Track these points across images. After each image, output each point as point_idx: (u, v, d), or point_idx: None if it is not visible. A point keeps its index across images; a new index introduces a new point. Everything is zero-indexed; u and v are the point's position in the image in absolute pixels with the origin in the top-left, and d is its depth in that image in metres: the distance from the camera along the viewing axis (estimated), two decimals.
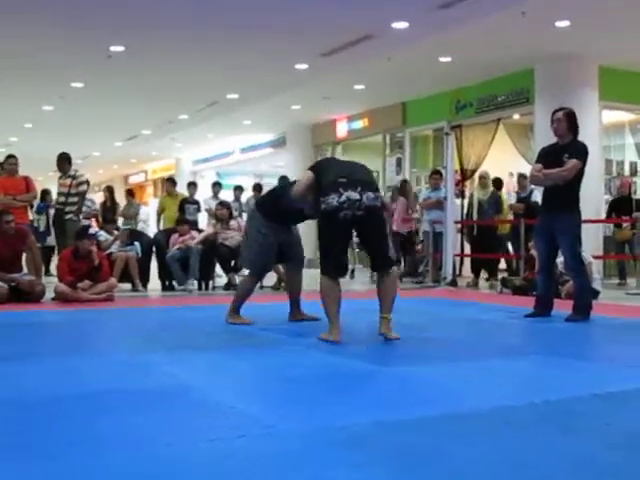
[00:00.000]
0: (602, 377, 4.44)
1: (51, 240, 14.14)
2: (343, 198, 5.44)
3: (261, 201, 6.98)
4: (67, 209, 11.23)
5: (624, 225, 12.47)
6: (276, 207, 6.54)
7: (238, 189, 15.12)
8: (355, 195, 5.46)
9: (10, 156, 11.07)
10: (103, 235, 11.22)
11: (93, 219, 14.69)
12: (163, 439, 2.99)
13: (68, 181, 11.37)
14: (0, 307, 8.58)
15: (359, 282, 12.86)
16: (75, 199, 11.29)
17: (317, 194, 5.72)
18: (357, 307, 7.34)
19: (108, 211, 14.50)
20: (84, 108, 17.94)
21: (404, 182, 14.08)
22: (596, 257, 11.79)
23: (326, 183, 5.63)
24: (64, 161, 11.54)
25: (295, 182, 6.48)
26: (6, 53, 12.74)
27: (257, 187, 14.90)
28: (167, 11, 10.41)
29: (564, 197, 7.12)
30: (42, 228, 14.92)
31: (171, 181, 14.81)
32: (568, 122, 7.21)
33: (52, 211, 14.35)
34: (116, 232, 11.51)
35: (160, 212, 14.30)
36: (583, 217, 7.39)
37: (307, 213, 6.35)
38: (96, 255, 9.52)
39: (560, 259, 8.02)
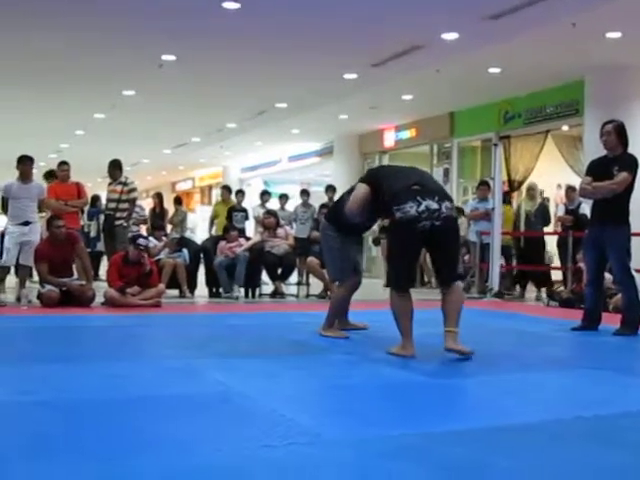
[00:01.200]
0: None
1: (101, 245, 14.34)
2: (422, 207, 5.16)
3: (330, 211, 6.82)
4: (117, 215, 11.39)
5: None
6: (341, 218, 6.24)
7: (283, 197, 15.21)
8: (434, 204, 5.19)
9: (62, 162, 11.26)
10: (152, 241, 11.35)
11: (142, 225, 14.85)
12: (213, 444, 3.04)
13: (119, 187, 11.52)
14: (51, 310, 8.72)
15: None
16: (125, 205, 11.44)
17: (374, 205, 5.56)
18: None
19: (157, 217, 14.65)
20: (135, 116, 18.15)
21: None
22: None
23: (397, 190, 5.34)
24: (115, 168, 11.71)
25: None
26: (59, 60, 12.93)
27: (305, 192, 14.98)
28: (217, 20, 10.51)
29: (614, 210, 7.08)
30: (93, 234, 15.14)
31: (226, 189, 14.97)
32: (618, 134, 7.17)
33: (102, 217, 14.56)
34: (165, 239, 11.63)
35: (213, 218, 14.47)
36: (633, 230, 7.34)
37: (364, 226, 6.30)
38: (147, 260, 9.66)
39: (608, 273, 7.95)
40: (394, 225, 5.37)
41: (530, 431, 3.36)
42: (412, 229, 5.19)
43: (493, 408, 3.86)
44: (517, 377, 4.78)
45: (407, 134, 19.04)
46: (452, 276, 5.45)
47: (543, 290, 12.04)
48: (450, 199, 5.37)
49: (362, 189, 5.70)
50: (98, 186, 23.54)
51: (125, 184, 11.58)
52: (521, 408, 3.84)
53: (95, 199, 15.73)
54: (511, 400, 4.06)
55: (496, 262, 12.10)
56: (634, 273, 7.53)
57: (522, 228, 12.99)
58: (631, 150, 7.27)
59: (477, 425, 3.44)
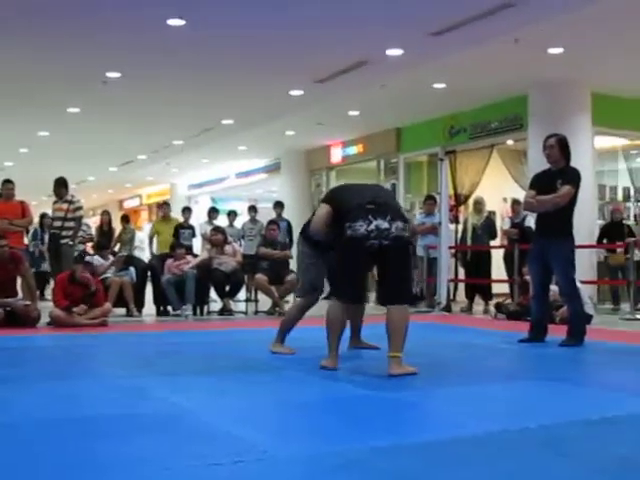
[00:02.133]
0: (596, 402, 4.46)
1: (46, 265, 14.18)
2: (372, 227, 5.18)
3: (304, 228, 6.55)
4: (63, 233, 11.24)
5: (618, 250, 12.51)
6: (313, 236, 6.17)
7: (232, 214, 15.17)
8: (384, 224, 5.20)
9: (7, 181, 11.10)
10: (98, 260, 11.22)
11: (88, 243, 14.70)
12: (160, 463, 3.00)
13: (65, 206, 11.38)
14: None
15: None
16: (71, 224, 11.30)
17: (338, 222, 5.45)
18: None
19: (104, 236, 14.52)
20: (80, 133, 17.98)
21: None
22: (590, 282, 11.84)
23: (351, 207, 5.35)
24: (61, 186, 11.56)
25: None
26: (2, 78, 12.78)
27: (252, 209, 14.97)
28: (162, 37, 10.47)
29: (558, 223, 7.17)
30: (37, 254, 14.95)
31: (167, 205, 14.86)
32: (560, 148, 7.28)
33: (46, 236, 14.39)
34: (112, 257, 11.51)
35: (152, 236, 14.33)
36: (576, 242, 7.44)
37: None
38: (92, 280, 9.55)
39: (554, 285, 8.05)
40: (344, 241, 5.33)
41: (477, 443, 3.37)
42: (360, 247, 5.21)
43: (440, 421, 3.88)
44: (464, 390, 4.80)
45: (354, 150, 19.12)
46: (391, 297, 5.35)
47: (490, 303, 12.14)
48: (404, 220, 5.35)
49: (323, 209, 5.71)
50: (43, 204, 23.25)
51: (71, 202, 11.44)
52: (468, 420, 3.85)
53: (43, 217, 15.53)
54: (458, 412, 4.08)
55: (444, 276, 12.18)
56: (579, 285, 7.65)
57: (469, 242, 13.10)
58: (573, 163, 7.39)
59: (424, 438, 3.44)
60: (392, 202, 5.66)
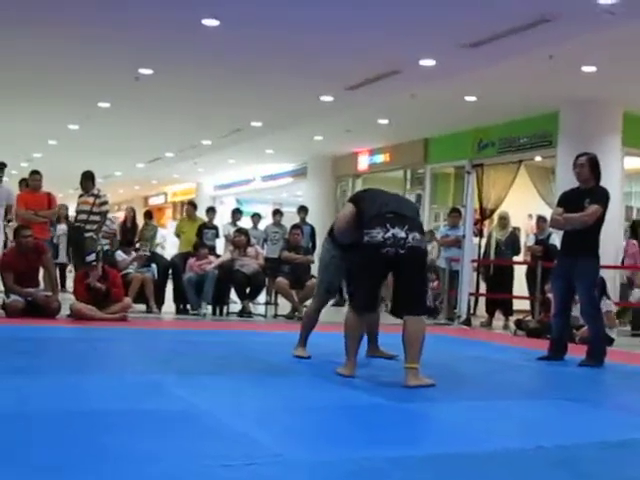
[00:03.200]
0: (613, 424, 4.41)
1: (62, 257, 14.30)
2: (389, 234, 5.21)
3: (331, 228, 6.45)
4: (88, 227, 11.28)
5: None
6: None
7: (256, 216, 15.17)
8: (401, 233, 5.22)
9: (34, 172, 11.16)
10: (120, 255, 11.26)
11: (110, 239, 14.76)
12: (172, 461, 2.99)
13: (91, 199, 11.42)
14: (16, 321, 8.63)
15: None
16: (97, 218, 11.33)
17: (359, 227, 5.49)
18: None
19: (127, 232, 14.57)
20: (109, 128, 18.07)
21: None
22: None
23: (371, 215, 5.42)
24: (88, 179, 11.60)
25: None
26: (35, 69, 12.87)
27: (277, 212, 14.97)
28: (196, 36, 10.51)
29: (584, 242, 7.11)
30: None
31: (192, 205, 14.87)
32: (591, 167, 7.22)
33: (63, 227, 14.46)
34: (134, 253, 11.54)
35: (177, 235, 14.37)
36: (602, 263, 7.38)
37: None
38: (110, 276, 9.58)
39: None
40: (361, 248, 5.37)
41: (491, 459, 3.34)
42: (376, 254, 5.24)
43: (456, 435, 3.84)
44: (480, 404, 4.77)
45: (381, 158, 19.11)
46: (406, 307, 5.34)
47: (511, 319, 12.07)
48: (421, 231, 5.40)
49: (348, 208, 5.82)
50: (69, 197, 23.37)
51: (97, 196, 11.48)
52: (484, 436, 3.82)
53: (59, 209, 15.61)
54: (474, 427, 4.05)
55: (465, 289, 12.12)
56: (612, 307, 7.57)
57: (492, 256, 13.04)
58: (602, 183, 7.33)
59: (439, 451, 3.42)
60: (413, 214, 5.60)
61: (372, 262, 5.33)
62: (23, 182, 12.46)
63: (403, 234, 5.21)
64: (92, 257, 9.69)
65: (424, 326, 5.32)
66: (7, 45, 11.43)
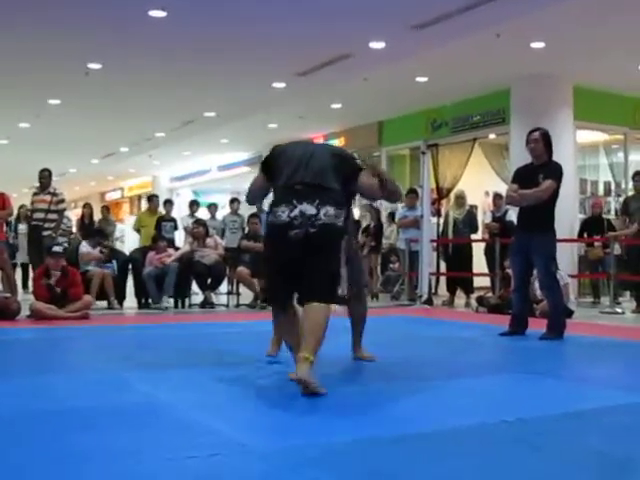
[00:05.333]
0: (574, 395, 4.48)
1: (20, 256, 14.17)
2: (295, 212, 4.42)
3: None
4: (46, 225, 11.18)
5: (596, 244, 12.57)
6: None
7: (213, 206, 15.13)
8: (311, 209, 4.42)
9: None
10: (85, 246, 11.12)
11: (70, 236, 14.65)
12: (136, 456, 2.99)
13: (48, 197, 11.33)
14: None
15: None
16: (54, 216, 11.25)
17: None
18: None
19: (86, 229, 14.45)
20: (61, 125, 17.89)
21: None
22: (570, 276, 11.87)
23: (277, 186, 4.68)
24: (46, 177, 11.51)
25: None
26: None
27: (234, 201, 14.91)
28: (144, 28, 10.43)
29: (539, 217, 7.19)
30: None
31: (156, 198, 14.70)
32: (545, 142, 7.30)
33: (24, 226, 14.32)
34: (98, 248, 11.37)
35: (137, 229, 14.27)
36: (558, 237, 7.47)
37: None
38: (70, 274, 9.48)
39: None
40: (266, 230, 4.77)
41: (454, 437, 3.38)
42: (282, 237, 4.45)
43: (417, 414, 3.87)
44: (442, 383, 4.80)
45: (336, 143, 19.06)
46: (310, 292, 4.45)
47: (472, 296, 12.17)
48: (337, 204, 4.50)
49: (258, 179, 5.04)
50: (24, 197, 23.11)
51: (54, 194, 11.39)
52: (445, 414, 3.86)
53: (20, 208, 15.46)
54: (436, 406, 4.08)
55: (425, 269, 12.19)
56: (568, 279, 7.66)
57: (450, 235, 13.12)
58: (555, 158, 7.41)
59: (401, 431, 3.45)
60: (329, 181, 4.57)
61: (279, 247, 4.56)
62: None
63: (313, 210, 4.42)
64: (59, 248, 9.57)
65: (326, 314, 4.41)
66: None
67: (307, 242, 4.41)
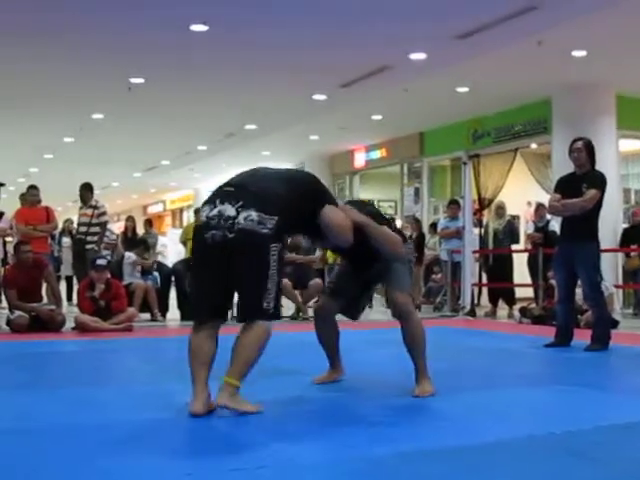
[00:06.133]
0: (621, 408, 4.41)
1: (65, 269, 14.31)
2: (214, 212, 3.99)
3: None
4: (88, 239, 11.30)
5: (632, 254, 12.37)
6: None
7: None
8: (230, 211, 3.95)
9: (32, 187, 11.19)
10: (132, 257, 11.21)
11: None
12: (183, 469, 3.00)
13: (89, 211, 11.45)
14: (20, 337, 8.63)
15: (376, 311, 12.82)
16: (97, 229, 11.36)
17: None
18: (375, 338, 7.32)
19: (129, 242, 14.58)
20: (104, 139, 18.08)
21: None
22: (615, 286, 11.73)
23: None
24: (87, 191, 11.64)
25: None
26: (28, 83, 12.88)
27: None
28: (185, 43, 10.51)
29: (583, 227, 7.12)
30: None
31: (197, 211, 14.79)
32: (588, 151, 7.23)
33: (68, 240, 14.48)
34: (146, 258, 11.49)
35: (184, 241, 14.37)
36: (602, 247, 7.39)
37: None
38: (113, 287, 9.55)
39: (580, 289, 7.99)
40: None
41: (501, 449, 3.35)
42: (200, 239, 4.07)
43: (464, 426, 3.84)
44: (488, 395, 4.76)
45: (377, 154, 19.10)
46: (247, 311, 4.14)
47: (515, 307, 12.08)
48: (268, 210, 3.96)
49: None
50: (69, 210, 23.38)
51: (96, 207, 11.51)
52: (492, 426, 3.83)
53: (65, 222, 15.68)
54: (482, 418, 4.05)
55: (468, 280, 12.13)
56: (612, 290, 7.58)
57: (490, 246, 13.05)
58: (598, 167, 7.34)
59: (447, 444, 3.42)
60: (264, 189, 4.10)
61: (198, 251, 4.21)
62: (22, 197, 12.50)
63: (232, 212, 3.95)
64: (103, 261, 9.68)
65: (260, 336, 4.10)
66: None
67: (227, 250, 3.96)
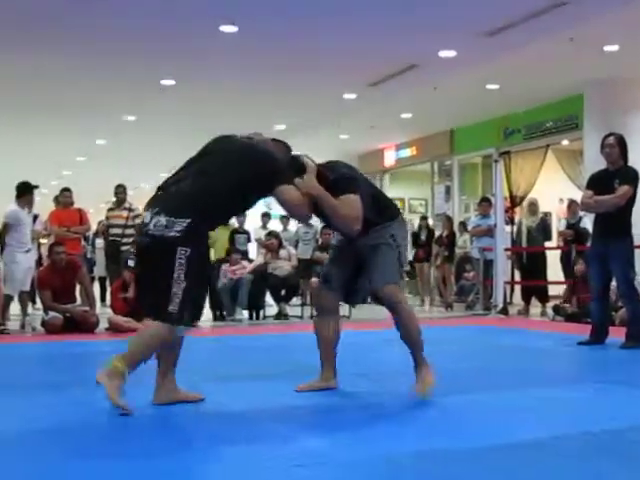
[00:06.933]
0: None
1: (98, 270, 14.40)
2: (146, 219, 4.20)
3: None
4: (124, 241, 11.38)
5: None
6: None
7: (284, 218, 15.19)
8: (147, 217, 4.18)
9: (65, 189, 11.29)
10: None
11: None
12: (219, 466, 3.01)
13: (125, 213, 11.55)
14: (55, 337, 8.70)
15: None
16: (131, 231, 11.42)
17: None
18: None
19: None
20: (136, 141, 18.20)
21: None
22: None
23: None
24: (122, 192, 11.75)
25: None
26: (60, 85, 12.99)
27: None
28: (215, 44, 10.55)
29: (616, 223, 7.07)
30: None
31: None
32: (620, 147, 7.17)
33: (101, 241, 14.59)
34: None
35: (212, 242, 14.41)
36: (636, 242, 7.33)
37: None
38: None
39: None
40: None
41: (537, 448, 3.33)
42: (136, 244, 4.37)
43: (497, 425, 3.82)
44: (522, 393, 4.74)
45: (407, 152, 19.05)
46: (150, 310, 4.22)
47: (548, 305, 12.00)
48: (178, 213, 4.10)
49: None
50: (101, 212, 23.48)
51: (130, 209, 11.61)
52: (527, 424, 3.81)
53: (99, 223, 15.78)
54: (517, 416, 4.03)
55: (500, 278, 12.07)
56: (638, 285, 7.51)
57: (524, 243, 12.97)
58: (630, 163, 7.28)
59: (481, 443, 3.40)
60: (183, 186, 4.31)
61: (136, 256, 4.55)
62: (56, 200, 12.61)
63: (148, 218, 4.15)
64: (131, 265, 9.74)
65: (151, 333, 4.20)
66: (30, 63, 11.52)
67: (144, 255, 4.26)
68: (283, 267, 11.45)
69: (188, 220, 4.05)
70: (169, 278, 4.02)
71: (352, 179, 4.75)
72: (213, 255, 13.82)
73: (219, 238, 13.67)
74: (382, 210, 4.74)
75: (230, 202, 4.37)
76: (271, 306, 12.06)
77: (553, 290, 13.02)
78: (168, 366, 4.46)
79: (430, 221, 16.24)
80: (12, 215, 9.77)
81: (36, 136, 17.63)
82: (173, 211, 4.09)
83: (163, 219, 4.06)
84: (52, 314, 9.21)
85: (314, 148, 19.67)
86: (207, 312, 11.31)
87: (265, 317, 11.62)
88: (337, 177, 4.69)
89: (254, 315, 11.52)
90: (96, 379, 4.02)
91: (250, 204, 4.65)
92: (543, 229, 12.83)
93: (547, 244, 13.07)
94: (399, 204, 19.61)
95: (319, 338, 4.84)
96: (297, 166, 4.70)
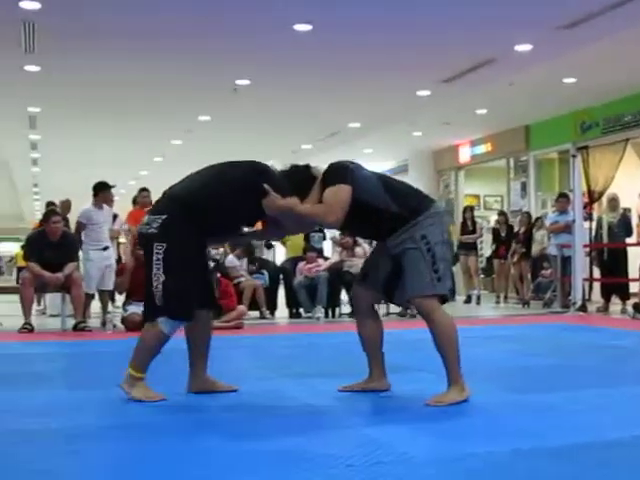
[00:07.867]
0: None
1: None
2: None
3: None
4: None
5: None
6: None
7: None
8: (144, 218, 4.49)
9: (143, 189, 11.50)
10: (232, 261, 11.41)
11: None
12: (300, 464, 3.03)
13: None
14: (135, 334, 8.80)
15: (486, 308, 12.71)
16: None
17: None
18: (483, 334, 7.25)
19: None
20: (210, 140, 18.36)
21: None
22: None
23: None
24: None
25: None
26: (136, 87, 13.19)
27: None
28: (289, 42, 10.59)
29: None
30: None
31: None
32: None
33: None
34: (245, 261, 11.68)
35: (283, 242, 14.50)
36: None
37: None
38: (222, 285, 9.70)
39: None
40: None
41: (622, 447, 3.28)
42: None
43: (581, 424, 3.78)
44: (604, 392, 4.67)
45: (482, 149, 18.86)
46: (144, 310, 4.57)
47: (628, 303, 11.78)
48: (161, 211, 4.38)
49: None
50: None
51: None
52: (610, 423, 3.75)
53: None
54: (599, 416, 3.97)
55: (579, 275, 11.89)
56: None
57: (605, 240, 12.75)
58: None
59: (565, 441, 3.37)
60: (177, 191, 4.62)
61: None
62: (134, 200, 12.81)
63: (144, 218, 4.48)
64: (211, 262, 9.86)
65: (148, 333, 4.49)
66: (105, 66, 11.73)
67: None
68: (358, 265, 11.42)
69: (164, 216, 4.28)
70: (150, 273, 4.27)
71: (339, 169, 4.55)
72: (286, 254, 13.95)
73: (293, 237, 13.79)
74: (402, 199, 4.42)
75: (213, 202, 4.52)
76: (346, 304, 12.07)
77: (634, 287, 12.77)
78: (196, 356, 4.75)
79: (493, 218, 16.09)
80: (84, 214, 10.05)
81: (115, 138, 17.94)
82: (154, 210, 4.43)
83: (147, 218, 4.37)
84: (131, 310, 9.35)
85: (387, 146, 19.82)
86: (283, 309, 11.42)
87: (341, 315, 11.65)
88: (324, 172, 4.59)
89: (330, 313, 11.56)
90: (124, 391, 4.38)
91: (247, 212, 4.71)
92: (624, 225, 12.60)
93: (628, 240, 12.83)
94: (474, 201, 19.48)
95: (360, 338, 4.74)
96: (298, 182, 4.68)
